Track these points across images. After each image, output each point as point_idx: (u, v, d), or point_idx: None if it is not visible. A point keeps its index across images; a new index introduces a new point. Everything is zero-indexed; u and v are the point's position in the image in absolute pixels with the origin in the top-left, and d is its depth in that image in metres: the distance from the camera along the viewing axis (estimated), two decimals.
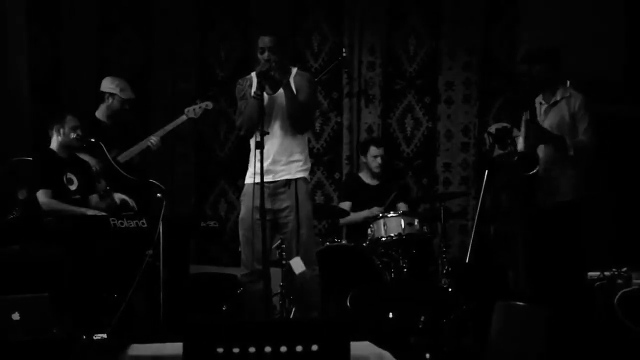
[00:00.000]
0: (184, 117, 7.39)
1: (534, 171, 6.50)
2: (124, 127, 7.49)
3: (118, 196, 6.69)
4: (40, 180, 6.49)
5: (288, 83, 5.85)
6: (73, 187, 6.65)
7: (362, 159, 8.04)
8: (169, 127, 7.43)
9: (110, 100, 7.33)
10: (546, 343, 5.50)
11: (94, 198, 6.77)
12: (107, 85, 7.37)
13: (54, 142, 6.67)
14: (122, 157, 7.18)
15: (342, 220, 7.88)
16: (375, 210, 7.55)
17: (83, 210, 6.49)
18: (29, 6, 8.31)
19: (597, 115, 6.52)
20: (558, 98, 6.52)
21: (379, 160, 7.87)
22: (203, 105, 7.41)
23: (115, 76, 7.52)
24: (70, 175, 6.67)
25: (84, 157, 6.93)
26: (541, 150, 6.51)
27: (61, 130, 6.62)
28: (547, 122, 6.56)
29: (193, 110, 7.37)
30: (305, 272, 5.87)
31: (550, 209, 6.48)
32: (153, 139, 7.31)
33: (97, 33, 8.58)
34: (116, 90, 7.33)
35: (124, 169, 6.87)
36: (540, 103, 6.67)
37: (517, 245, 8.31)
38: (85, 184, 6.75)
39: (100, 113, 7.36)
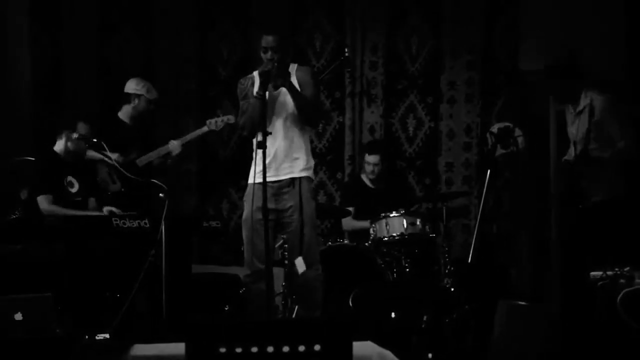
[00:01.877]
0: (205, 129, 7.35)
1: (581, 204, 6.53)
2: (145, 130, 7.48)
3: (107, 209, 6.67)
4: (41, 185, 6.48)
5: (290, 82, 5.85)
6: (73, 190, 6.65)
7: (363, 161, 8.04)
8: (189, 137, 7.40)
9: (137, 101, 7.31)
10: (548, 342, 5.50)
11: (92, 202, 6.76)
12: (133, 86, 7.35)
13: (59, 145, 6.66)
14: (141, 161, 7.15)
15: (345, 227, 7.86)
16: None
17: (82, 213, 6.49)
18: (31, 7, 8.32)
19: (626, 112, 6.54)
20: (581, 107, 6.49)
21: (372, 168, 7.87)
22: (225, 118, 7.37)
23: (141, 79, 7.51)
24: (70, 178, 6.67)
25: (110, 154, 6.88)
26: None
27: (70, 136, 6.61)
28: (575, 130, 6.55)
29: (215, 123, 7.34)
30: (307, 271, 5.88)
31: (586, 208, 6.49)
32: (175, 143, 7.28)
33: (97, 33, 8.56)
34: (142, 91, 7.32)
35: (137, 171, 6.86)
36: (571, 112, 6.65)
37: (520, 244, 8.32)
38: (86, 188, 6.74)
39: (124, 114, 7.34)
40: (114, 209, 6.63)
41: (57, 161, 6.63)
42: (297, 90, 5.86)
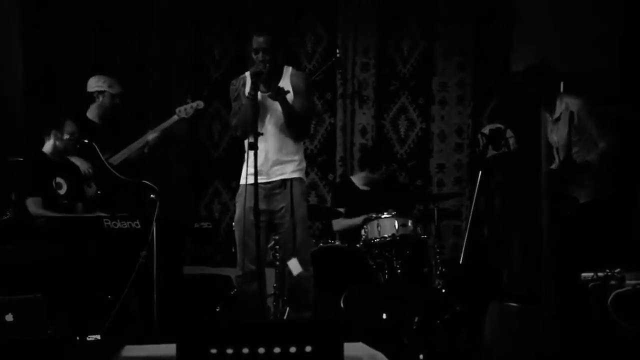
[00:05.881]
0: (175, 117, 7.34)
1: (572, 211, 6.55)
2: (116, 128, 7.45)
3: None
4: (31, 187, 6.46)
5: (284, 98, 5.82)
6: (62, 192, 6.62)
7: (367, 172, 7.98)
8: (161, 127, 7.39)
9: (101, 98, 7.30)
10: (540, 344, 5.51)
11: (79, 207, 6.74)
12: (94, 84, 7.33)
13: (48, 146, 6.64)
14: (115, 159, 7.14)
15: (335, 227, 7.83)
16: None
17: (71, 215, 6.48)
18: (23, 6, 8.31)
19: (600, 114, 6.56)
20: (558, 114, 6.52)
21: (373, 184, 7.86)
22: (194, 104, 7.37)
23: (102, 75, 7.49)
24: (59, 179, 6.64)
25: (75, 160, 6.90)
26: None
27: (58, 135, 6.59)
28: (556, 137, 6.58)
29: (184, 110, 7.33)
30: (301, 273, 5.88)
31: (572, 210, 6.52)
32: (151, 135, 7.27)
33: (91, 33, 8.56)
34: (104, 87, 7.29)
35: (117, 171, 6.83)
36: (549, 120, 6.69)
37: (512, 245, 8.34)
38: (74, 189, 6.72)
39: (91, 113, 7.32)
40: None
41: (46, 162, 6.61)
42: (288, 102, 5.84)
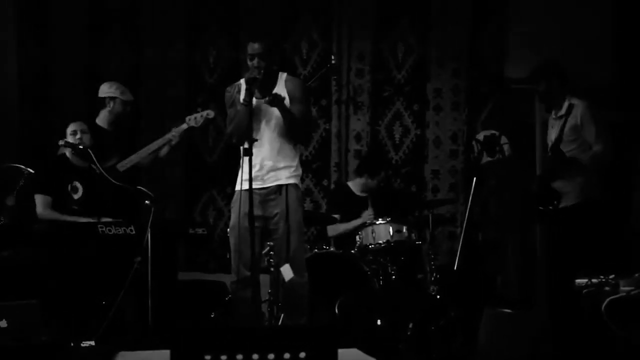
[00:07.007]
0: (184, 126, 7.25)
1: (553, 205, 6.54)
2: (125, 135, 7.43)
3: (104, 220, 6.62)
4: (42, 185, 6.45)
5: (283, 104, 5.82)
6: (76, 196, 6.60)
7: (365, 178, 7.95)
8: (170, 135, 7.31)
9: (112, 104, 7.25)
10: (534, 350, 5.51)
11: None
12: (106, 90, 7.29)
13: (68, 149, 6.65)
14: (122, 165, 7.08)
15: (330, 233, 7.80)
16: (366, 215, 7.54)
17: (73, 219, 6.47)
18: (18, 9, 8.30)
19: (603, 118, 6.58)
20: (563, 111, 6.55)
21: (373, 190, 7.84)
22: (204, 113, 7.27)
23: (114, 82, 7.46)
24: (76, 183, 6.62)
25: (95, 161, 6.84)
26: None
27: (61, 140, 6.60)
28: (554, 135, 6.60)
29: (194, 119, 7.22)
30: (293, 279, 5.87)
31: (557, 212, 6.53)
32: (174, 132, 7.16)
33: (86, 37, 8.55)
34: (116, 93, 7.25)
35: (120, 177, 6.80)
36: (552, 117, 6.71)
37: (507, 250, 8.34)
38: (89, 196, 6.69)
39: (101, 120, 7.26)
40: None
41: (64, 165, 6.60)
42: (286, 107, 5.84)
